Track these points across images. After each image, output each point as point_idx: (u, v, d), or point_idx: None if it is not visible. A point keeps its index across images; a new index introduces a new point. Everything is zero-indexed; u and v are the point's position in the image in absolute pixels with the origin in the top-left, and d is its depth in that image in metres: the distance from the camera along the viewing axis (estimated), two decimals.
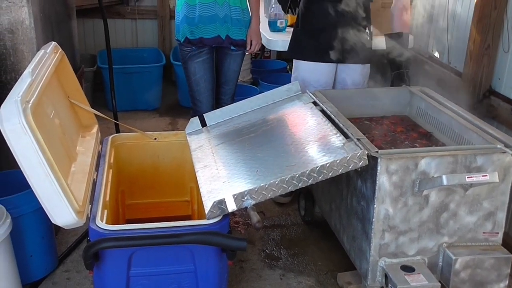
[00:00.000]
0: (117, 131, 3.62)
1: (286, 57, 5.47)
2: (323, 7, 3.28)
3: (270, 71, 5.77)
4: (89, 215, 2.25)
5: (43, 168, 2.03)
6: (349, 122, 2.67)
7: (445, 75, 3.78)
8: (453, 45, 3.82)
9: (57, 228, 2.69)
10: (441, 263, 2.52)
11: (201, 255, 2.24)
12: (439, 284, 2.41)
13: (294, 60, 3.56)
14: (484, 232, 2.52)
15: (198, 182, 2.48)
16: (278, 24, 4.11)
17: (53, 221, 2.14)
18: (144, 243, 2.14)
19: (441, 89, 3.20)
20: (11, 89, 2.22)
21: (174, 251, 2.22)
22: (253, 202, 2.25)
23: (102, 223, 2.17)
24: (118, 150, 2.91)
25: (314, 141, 2.56)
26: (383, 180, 2.35)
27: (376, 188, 2.35)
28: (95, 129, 2.94)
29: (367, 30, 3.40)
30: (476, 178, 2.34)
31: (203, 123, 3.02)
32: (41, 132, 2.04)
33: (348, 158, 2.30)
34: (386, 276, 2.45)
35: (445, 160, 2.36)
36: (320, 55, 3.39)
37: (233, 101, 3.76)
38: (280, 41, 3.81)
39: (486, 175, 2.34)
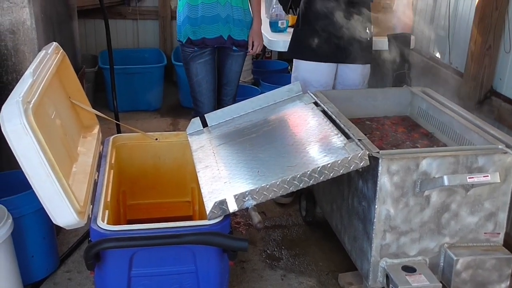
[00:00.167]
0: (118, 131, 3.62)
1: (287, 58, 5.47)
2: (324, 7, 3.28)
3: (271, 71, 5.78)
4: (90, 216, 2.25)
5: (44, 168, 2.03)
6: (350, 122, 2.67)
7: (446, 75, 3.78)
8: (454, 45, 3.82)
9: (58, 228, 2.69)
10: (442, 264, 2.52)
11: (202, 256, 2.24)
12: (440, 284, 2.40)
13: (294, 60, 3.57)
14: (485, 233, 2.51)
15: (199, 183, 2.48)
16: (279, 25, 4.11)
17: (54, 222, 2.14)
18: (145, 244, 2.13)
19: (442, 89, 3.20)
20: (12, 89, 2.22)
21: (175, 252, 2.22)
22: (254, 203, 2.25)
23: (103, 224, 2.17)
24: (119, 151, 2.91)
25: (315, 141, 2.56)
26: (384, 181, 2.35)
27: (377, 188, 2.35)
28: (96, 129, 2.95)
29: (367, 31, 3.40)
30: (478, 178, 2.34)
31: (204, 124, 3.02)
32: (42, 133, 2.04)
33: (349, 158, 2.29)
34: (387, 276, 2.45)
35: (447, 160, 2.36)
36: (320, 55, 3.39)
37: (234, 101, 3.76)
38: (281, 41, 3.80)
39: (488, 176, 2.34)
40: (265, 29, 4.00)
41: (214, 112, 3.10)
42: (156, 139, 2.97)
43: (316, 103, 2.94)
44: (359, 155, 2.30)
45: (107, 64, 4.23)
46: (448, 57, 3.88)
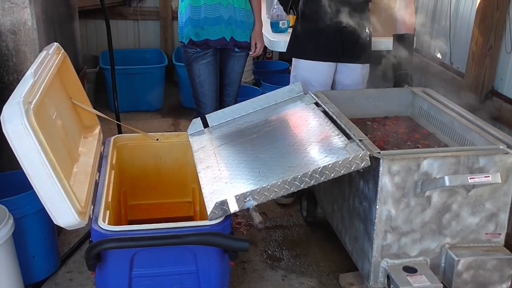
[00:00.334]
0: (119, 132, 3.62)
1: (288, 58, 5.47)
2: (323, 7, 3.28)
3: (272, 72, 5.78)
4: (91, 216, 2.25)
5: (46, 169, 2.03)
6: (351, 123, 2.67)
7: (447, 76, 3.78)
8: (455, 46, 3.82)
9: (59, 229, 2.69)
10: (443, 264, 2.52)
11: (203, 256, 2.24)
12: (442, 285, 2.40)
13: (293, 59, 3.57)
14: (486, 233, 2.51)
15: (200, 183, 2.47)
16: (280, 25, 4.10)
17: (55, 222, 2.14)
18: (146, 244, 2.13)
19: (443, 90, 3.20)
20: (13, 90, 2.22)
21: (176, 252, 2.22)
22: (255, 203, 2.25)
23: (104, 224, 2.17)
24: (120, 151, 2.91)
25: (316, 142, 2.56)
26: (385, 181, 2.34)
27: (378, 189, 2.35)
28: (97, 130, 2.95)
29: (366, 30, 3.40)
30: (479, 179, 2.34)
31: (205, 124, 3.02)
32: (43, 133, 2.04)
33: (350, 159, 2.29)
34: (388, 277, 2.45)
35: (448, 161, 2.36)
36: (319, 54, 3.39)
37: (236, 102, 3.75)
38: (282, 42, 3.80)
39: (489, 176, 2.33)
40: (266, 29, 4.00)
41: (215, 112, 3.10)
42: (157, 139, 2.97)
43: (317, 104, 2.94)
44: (360, 155, 2.30)
45: (108, 65, 4.22)
46: (449, 58, 3.88)
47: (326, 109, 2.84)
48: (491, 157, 2.38)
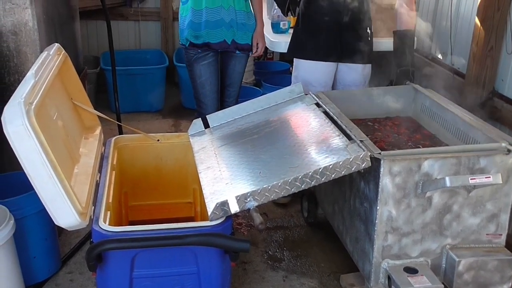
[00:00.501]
0: (120, 132, 3.62)
1: (289, 59, 5.48)
2: (324, 7, 3.28)
3: (273, 72, 5.78)
4: (92, 217, 2.25)
5: (46, 169, 2.03)
6: (352, 123, 2.66)
7: (448, 76, 3.78)
8: (456, 46, 3.82)
9: (60, 229, 2.70)
10: (444, 265, 2.52)
11: (204, 257, 2.24)
12: (442, 286, 2.40)
13: (294, 59, 3.57)
14: (487, 234, 2.51)
15: (201, 184, 2.47)
16: (281, 26, 4.11)
17: (56, 223, 2.14)
18: (147, 245, 2.13)
19: (444, 90, 3.20)
20: (14, 90, 2.22)
21: (177, 253, 2.22)
22: (256, 204, 2.25)
23: (105, 225, 2.17)
24: (121, 152, 2.91)
25: (317, 142, 2.56)
26: (386, 182, 2.34)
27: (379, 189, 2.35)
28: (98, 130, 2.95)
29: (367, 30, 3.39)
30: (480, 179, 2.33)
31: (206, 125, 3.02)
32: (44, 134, 2.04)
33: (351, 159, 2.29)
34: (389, 277, 2.45)
35: (448, 161, 2.36)
36: (320, 54, 3.39)
37: (237, 103, 3.76)
38: (283, 42, 3.80)
39: (490, 177, 2.33)
40: (267, 30, 4.00)
41: (216, 113, 3.10)
42: (158, 140, 2.97)
43: (317, 104, 2.94)
44: (361, 156, 2.30)
45: (109, 65, 4.23)
46: (450, 58, 3.88)
47: (327, 110, 2.84)
48: (492, 157, 2.38)
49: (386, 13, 3.59)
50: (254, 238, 3.34)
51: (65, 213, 2.10)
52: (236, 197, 2.23)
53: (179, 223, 2.22)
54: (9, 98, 2.14)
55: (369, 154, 2.32)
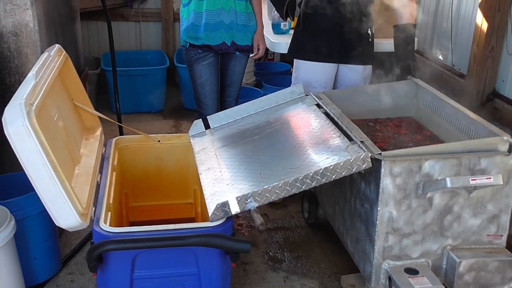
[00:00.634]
0: (121, 133, 3.62)
1: (289, 59, 5.48)
2: (324, 8, 3.28)
3: (274, 73, 5.78)
4: (92, 218, 2.25)
5: (47, 170, 2.03)
6: (353, 124, 2.66)
7: (449, 77, 3.78)
8: (457, 47, 3.82)
9: (61, 230, 2.70)
10: (445, 266, 2.51)
11: (205, 258, 2.24)
12: (443, 286, 2.40)
13: (294, 60, 3.56)
14: (488, 235, 2.51)
15: (202, 185, 2.48)
16: (281, 27, 4.11)
17: (57, 224, 2.14)
18: (147, 246, 2.13)
19: (445, 91, 3.20)
20: (15, 91, 2.22)
21: (177, 254, 2.22)
22: (256, 205, 2.25)
23: (105, 226, 2.17)
24: (121, 153, 2.91)
25: (318, 143, 2.56)
26: (387, 183, 2.34)
27: (380, 190, 2.35)
28: (98, 131, 2.95)
29: (368, 31, 3.39)
30: (480, 180, 2.33)
31: (207, 126, 3.02)
32: (45, 135, 2.04)
33: (351, 160, 2.29)
34: (390, 278, 2.45)
35: (449, 162, 2.35)
36: (320, 55, 3.39)
37: (237, 103, 3.76)
38: (283, 43, 3.81)
39: (490, 178, 2.33)
40: (268, 31, 4.00)
41: (217, 114, 3.10)
42: (159, 141, 2.97)
43: (318, 105, 2.94)
44: (362, 157, 2.30)
45: (109, 66, 4.23)
46: (451, 59, 3.88)
47: (328, 111, 2.84)
48: (493, 158, 2.38)
49: (388, 14, 3.59)
50: (254, 239, 3.34)
51: (65, 214, 2.10)
52: (237, 198, 2.23)
53: (179, 224, 2.22)
54: (9, 99, 2.14)
55: (370, 155, 2.32)
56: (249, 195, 2.24)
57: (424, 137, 2.95)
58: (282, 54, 5.72)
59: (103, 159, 2.76)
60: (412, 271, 2.43)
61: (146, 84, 5.27)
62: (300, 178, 2.27)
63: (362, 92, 3.22)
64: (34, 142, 2.00)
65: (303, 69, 3.48)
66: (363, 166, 2.31)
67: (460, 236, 2.49)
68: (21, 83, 2.31)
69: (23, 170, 2.05)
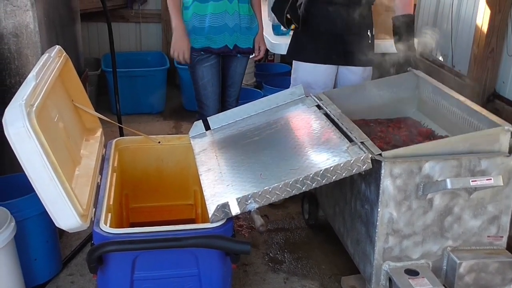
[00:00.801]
0: (121, 134, 3.62)
1: (289, 61, 5.48)
2: (324, 9, 3.28)
3: (274, 74, 5.78)
4: (93, 219, 2.25)
5: (47, 171, 2.03)
6: (353, 124, 2.66)
7: (449, 78, 3.78)
8: (457, 48, 3.82)
9: (61, 231, 2.70)
10: (445, 267, 2.51)
11: (205, 259, 2.24)
12: None
13: (293, 61, 3.56)
14: (488, 236, 2.51)
15: (202, 186, 2.48)
16: (281, 28, 4.11)
17: (57, 225, 2.14)
18: (148, 247, 2.14)
19: None
20: (15, 92, 2.22)
21: (177, 255, 2.22)
22: (256, 206, 2.25)
23: (106, 227, 2.17)
24: (122, 154, 2.91)
25: (318, 144, 2.56)
26: (387, 184, 2.34)
27: (380, 191, 2.35)
28: (99, 132, 2.95)
29: (368, 33, 3.39)
30: (481, 181, 2.33)
31: (207, 127, 3.02)
32: (45, 136, 2.04)
33: (351, 161, 2.29)
34: (390, 280, 2.45)
35: (449, 163, 2.36)
36: (319, 57, 3.38)
37: (237, 103, 3.76)
38: (283, 44, 3.81)
39: (491, 179, 2.33)
40: (268, 32, 4.00)
41: (217, 115, 3.10)
42: (159, 142, 2.98)
43: (318, 106, 2.94)
44: (362, 158, 2.30)
45: (110, 67, 4.23)
46: (451, 60, 3.88)
47: (328, 112, 2.84)
48: (493, 159, 2.38)
49: (388, 15, 3.58)
50: (255, 240, 3.34)
51: (66, 215, 2.10)
52: (237, 199, 2.23)
53: (180, 225, 2.22)
54: (10, 100, 2.14)
55: (370, 156, 2.32)
56: (249, 196, 2.24)
57: (424, 137, 2.94)
58: (282, 55, 5.71)
59: (103, 160, 2.76)
60: (412, 272, 2.43)
61: (146, 85, 5.27)
62: (300, 179, 2.27)
63: (363, 88, 3.20)
64: (34, 143, 2.00)
65: (303, 70, 3.47)
66: (364, 167, 2.31)
67: (461, 237, 2.49)
68: (21, 84, 2.31)
69: (23, 171, 2.05)
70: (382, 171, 2.32)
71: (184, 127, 5.08)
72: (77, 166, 2.54)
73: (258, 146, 2.70)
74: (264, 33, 3.73)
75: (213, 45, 3.47)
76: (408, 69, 3.23)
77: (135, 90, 5.23)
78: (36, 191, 2.08)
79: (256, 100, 3.13)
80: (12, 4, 2.84)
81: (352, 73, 3.44)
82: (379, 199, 2.36)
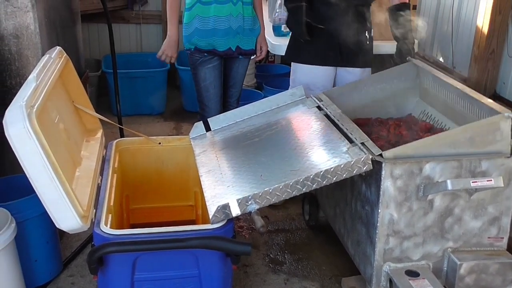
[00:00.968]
0: (122, 135, 3.63)
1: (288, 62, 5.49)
2: (322, 10, 3.27)
3: (274, 75, 5.78)
4: (93, 220, 2.25)
5: (48, 172, 2.03)
6: (354, 124, 2.66)
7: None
8: (458, 49, 3.82)
9: (62, 232, 2.69)
10: (445, 268, 2.51)
11: (206, 260, 2.24)
12: None
13: (292, 63, 3.55)
14: (489, 237, 2.51)
15: (202, 187, 2.48)
16: (282, 29, 4.12)
17: (57, 226, 2.14)
18: (148, 248, 2.14)
19: None
20: (16, 94, 2.22)
21: (178, 256, 2.22)
22: (257, 207, 2.25)
23: (106, 228, 2.17)
24: (122, 155, 2.91)
25: (318, 145, 2.56)
26: (388, 185, 2.34)
27: (381, 192, 2.35)
28: (99, 133, 2.95)
29: (366, 34, 3.38)
30: (481, 183, 2.33)
31: (207, 128, 3.02)
32: (45, 137, 2.04)
33: (352, 162, 2.29)
34: (390, 281, 2.45)
35: (450, 164, 2.36)
36: (317, 58, 3.37)
37: (238, 103, 3.76)
38: (284, 45, 3.79)
39: (491, 180, 2.33)
40: (268, 33, 4.00)
41: (217, 116, 3.10)
42: (159, 143, 2.98)
43: (319, 107, 2.94)
44: (362, 159, 2.30)
45: (110, 68, 4.23)
46: (452, 61, 3.88)
47: (328, 113, 2.84)
48: (494, 160, 2.38)
49: (387, 16, 3.58)
50: (255, 241, 3.34)
51: (66, 216, 2.10)
52: (238, 200, 2.23)
53: (180, 226, 2.22)
54: (10, 101, 2.14)
55: (371, 157, 2.32)
56: (249, 197, 2.24)
57: (424, 132, 2.91)
58: (282, 56, 5.70)
59: (104, 161, 2.76)
60: (413, 273, 2.43)
61: (146, 86, 5.27)
62: (301, 180, 2.27)
63: (364, 84, 3.19)
64: (35, 144, 2.00)
65: (301, 72, 3.47)
66: (364, 168, 2.31)
67: (461, 239, 2.49)
68: (22, 85, 2.31)
69: (24, 172, 2.05)
70: (383, 172, 2.32)
71: (184, 128, 5.08)
72: (78, 167, 2.54)
73: (259, 147, 2.70)
74: (265, 34, 3.74)
75: (218, 47, 3.47)
76: (407, 58, 3.22)
77: (136, 91, 5.23)
78: (37, 192, 2.08)
79: (257, 101, 3.13)
80: (13, 5, 2.84)
81: (351, 75, 3.43)
82: (380, 200, 2.36)
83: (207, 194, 2.39)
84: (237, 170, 2.52)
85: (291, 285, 2.99)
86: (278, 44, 3.95)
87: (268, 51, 3.96)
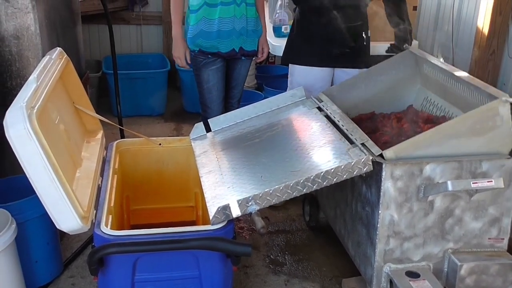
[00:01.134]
0: (122, 136, 3.63)
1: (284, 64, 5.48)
2: (319, 12, 3.27)
3: (275, 76, 5.78)
4: (93, 221, 2.25)
5: (48, 173, 2.03)
6: (354, 124, 2.65)
7: None
8: (458, 50, 3.82)
9: (62, 233, 2.69)
10: (446, 269, 2.51)
11: (206, 261, 2.24)
12: None
13: (289, 65, 3.55)
14: (489, 238, 2.51)
15: (203, 188, 2.48)
16: (282, 30, 4.12)
17: (58, 227, 2.14)
18: (148, 249, 2.14)
19: None
20: (16, 95, 2.22)
21: (178, 257, 2.22)
22: (257, 208, 2.25)
23: (106, 229, 2.17)
24: (122, 156, 2.91)
25: (319, 146, 2.56)
26: (388, 186, 2.34)
27: (381, 193, 2.35)
28: (100, 134, 2.95)
29: (363, 35, 3.38)
30: (482, 184, 2.33)
31: (208, 129, 3.02)
32: (46, 138, 2.04)
33: (352, 163, 2.29)
34: (391, 282, 2.45)
35: (450, 165, 2.35)
36: (314, 60, 3.37)
37: (239, 104, 3.76)
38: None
39: (492, 181, 2.33)
40: (269, 34, 4.00)
41: (218, 117, 3.10)
42: (160, 144, 2.98)
43: (319, 108, 2.94)
44: (363, 160, 2.30)
45: (110, 69, 4.23)
46: (452, 62, 3.88)
47: (328, 114, 2.84)
48: (494, 161, 2.38)
49: (383, 17, 3.58)
50: (255, 242, 3.34)
51: (67, 217, 2.10)
52: (238, 201, 2.22)
53: (180, 227, 2.22)
54: (11, 102, 2.14)
55: (371, 158, 2.32)
56: (250, 198, 2.24)
57: (425, 123, 2.89)
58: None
59: (104, 162, 2.76)
60: (413, 275, 2.43)
61: (147, 87, 5.27)
62: (301, 181, 2.27)
63: (363, 78, 3.18)
64: (35, 145, 2.00)
65: (298, 73, 3.46)
66: (364, 169, 2.31)
67: (462, 240, 2.49)
68: (22, 86, 2.32)
69: (24, 173, 2.05)
70: (383, 173, 2.32)
71: (185, 129, 5.08)
72: (78, 168, 2.54)
73: (259, 148, 2.70)
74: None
75: (222, 49, 3.47)
76: (404, 46, 3.21)
77: (136, 92, 5.23)
78: (37, 193, 2.08)
79: (257, 102, 3.13)
80: (13, 6, 2.84)
81: (348, 75, 3.41)
82: (380, 201, 2.36)
83: (208, 195, 2.39)
84: (238, 171, 2.52)
85: (292, 286, 2.99)
86: (279, 45, 3.94)
87: (268, 52, 3.96)
